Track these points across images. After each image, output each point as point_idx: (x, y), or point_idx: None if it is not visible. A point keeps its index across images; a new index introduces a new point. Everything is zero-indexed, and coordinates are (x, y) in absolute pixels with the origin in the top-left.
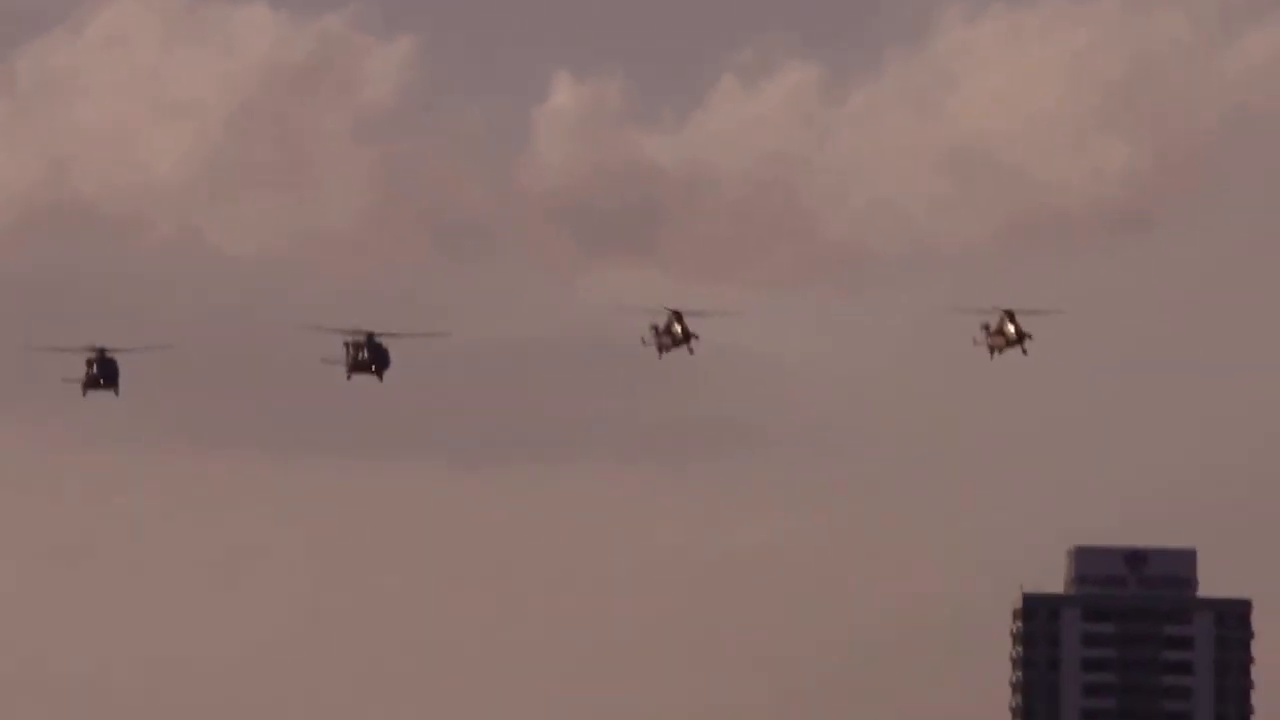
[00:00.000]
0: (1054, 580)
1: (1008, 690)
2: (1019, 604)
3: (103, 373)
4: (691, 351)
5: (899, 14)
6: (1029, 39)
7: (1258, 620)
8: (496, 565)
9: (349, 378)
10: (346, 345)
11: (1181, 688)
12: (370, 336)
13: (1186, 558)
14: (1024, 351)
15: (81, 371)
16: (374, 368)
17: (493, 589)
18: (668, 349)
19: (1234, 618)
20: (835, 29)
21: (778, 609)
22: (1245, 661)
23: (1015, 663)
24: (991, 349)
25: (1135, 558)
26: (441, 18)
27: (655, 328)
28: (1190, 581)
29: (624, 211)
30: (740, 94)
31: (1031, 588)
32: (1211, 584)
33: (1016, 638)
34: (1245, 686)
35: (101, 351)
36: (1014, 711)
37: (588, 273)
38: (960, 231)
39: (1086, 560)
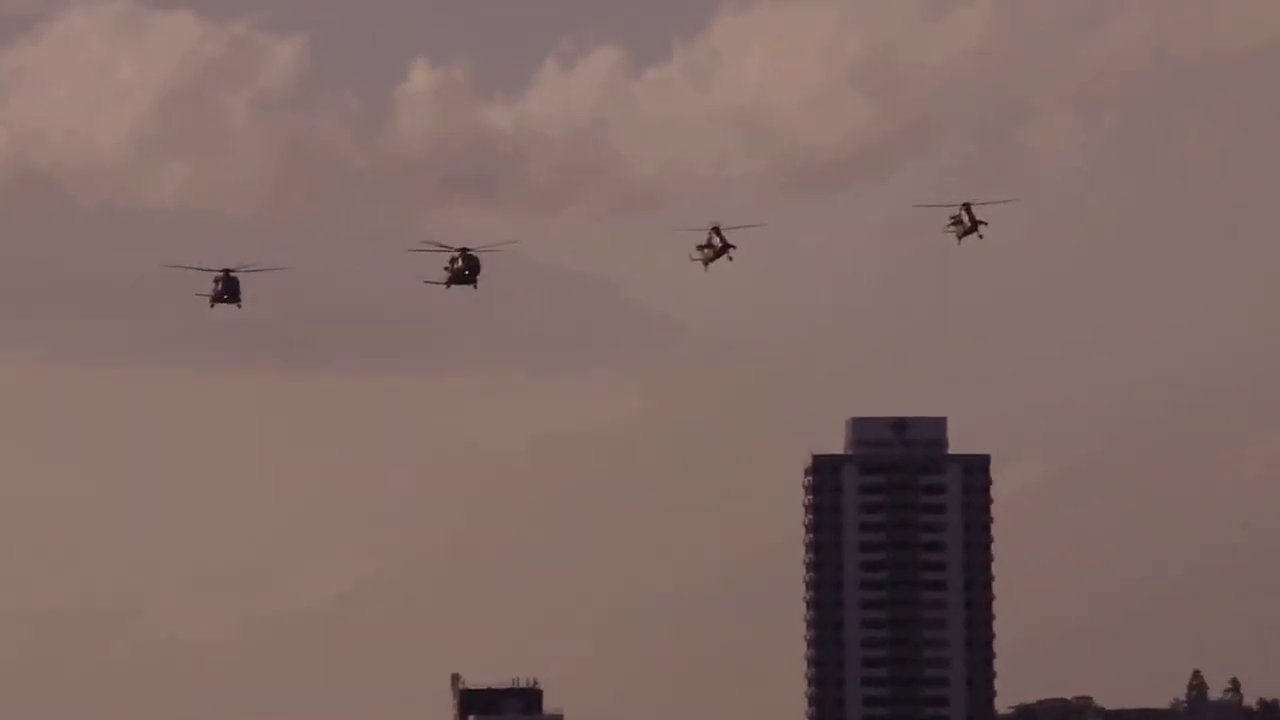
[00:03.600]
0: (836, 443)
1: (801, 529)
2: (809, 463)
3: (227, 289)
4: (731, 259)
5: (684, 9)
6: (787, 25)
7: (995, 470)
8: (376, 450)
9: (448, 287)
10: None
11: (938, 523)
12: (464, 250)
13: (939, 424)
14: (980, 236)
15: (210, 289)
16: (468, 274)
17: (375, 467)
18: (710, 260)
19: (977, 469)
20: (632, 23)
21: (612, 475)
22: (986, 503)
23: (807, 508)
24: (959, 236)
25: (899, 424)
26: (324, 19)
27: (699, 245)
28: (942, 442)
29: (473, 164)
30: (560, 73)
31: (818, 450)
32: (959, 443)
33: (807, 489)
34: (986, 522)
35: (227, 271)
36: (806, 546)
37: (443, 210)
38: (736, 172)
39: (861, 427)
